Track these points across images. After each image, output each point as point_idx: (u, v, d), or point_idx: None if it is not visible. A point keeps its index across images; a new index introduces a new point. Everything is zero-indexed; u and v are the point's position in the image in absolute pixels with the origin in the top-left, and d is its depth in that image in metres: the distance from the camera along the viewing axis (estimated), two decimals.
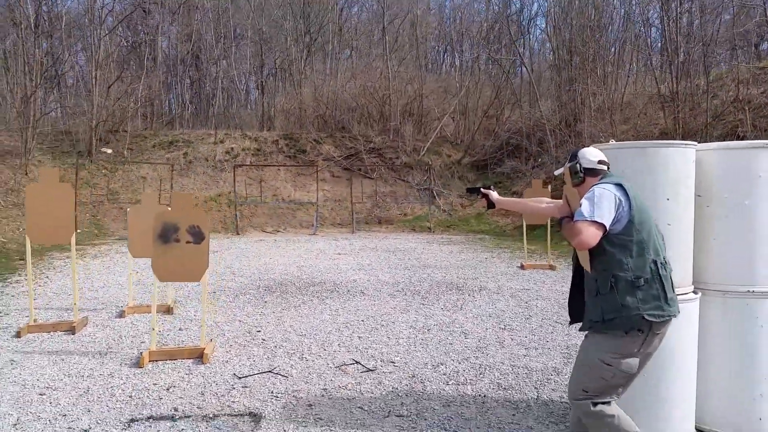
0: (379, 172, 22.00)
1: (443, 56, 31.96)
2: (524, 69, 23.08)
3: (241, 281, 8.70)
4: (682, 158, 3.45)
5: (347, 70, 25.96)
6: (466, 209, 20.21)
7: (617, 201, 2.68)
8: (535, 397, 4.23)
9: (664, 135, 15.20)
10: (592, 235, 2.64)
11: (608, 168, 2.93)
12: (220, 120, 27.28)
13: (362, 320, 6.42)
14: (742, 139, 13.10)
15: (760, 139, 12.91)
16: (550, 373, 4.75)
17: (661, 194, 3.38)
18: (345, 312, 6.80)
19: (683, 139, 14.71)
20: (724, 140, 13.76)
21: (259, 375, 4.62)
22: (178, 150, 21.49)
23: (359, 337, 5.73)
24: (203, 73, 29.44)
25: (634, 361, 2.68)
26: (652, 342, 2.70)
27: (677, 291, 3.30)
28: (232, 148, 21.88)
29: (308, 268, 9.98)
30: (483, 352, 5.29)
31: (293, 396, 4.19)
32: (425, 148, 22.89)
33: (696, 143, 3.64)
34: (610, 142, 3.65)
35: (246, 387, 4.36)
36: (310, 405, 4.04)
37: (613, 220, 2.67)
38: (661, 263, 2.70)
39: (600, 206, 2.66)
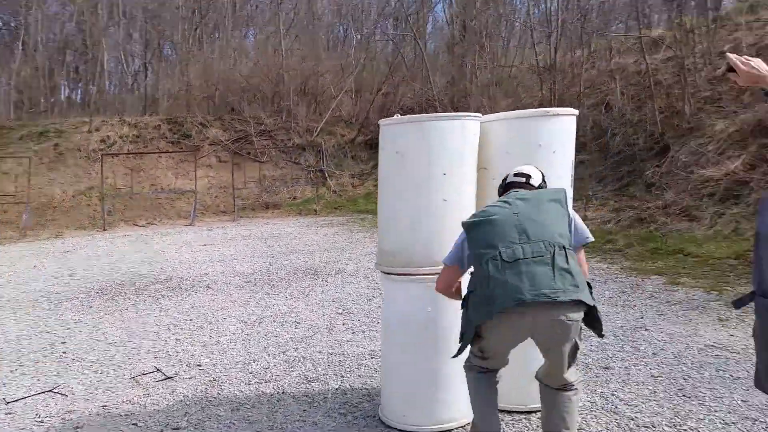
0: (269, 155, 21.25)
1: (343, 32, 31.23)
2: (419, 45, 22.84)
3: (75, 285, 7.90)
4: (460, 131, 3.22)
5: (238, 49, 24.77)
6: (357, 189, 19.92)
7: (461, 237, 2.74)
8: (337, 386, 3.93)
9: (542, 107, 15.45)
10: (439, 280, 2.85)
11: (527, 180, 2.85)
12: (105, 105, 25.44)
13: (191, 319, 5.90)
14: (610, 107, 13.49)
15: (627, 106, 13.33)
16: (365, 357, 4.49)
17: (438, 169, 3.15)
18: (176, 311, 6.25)
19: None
20: (595, 109, 14.17)
21: (35, 396, 4.04)
22: (48, 141, 19.79)
23: (177, 340, 5.23)
24: (86, 56, 27.27)
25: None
26: (489, 336, 2.54)
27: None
28: (108, 136, 20.38)
29: (161, 264, 9.28)
30: (306, 342, 4.94)
31: (62, 418, 3.66)
32: (319, 129, 22.32)
33: (479, 114, 3.40)
34: (395, 116, 3.36)
35: (10, 413, 3.77)
36: (78, 427, 3.53)
37: (463, 253, 2.70)
38: (487, 261, 2.47)
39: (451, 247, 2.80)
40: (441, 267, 3.00)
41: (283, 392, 3.90)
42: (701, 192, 9.41)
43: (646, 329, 4.93)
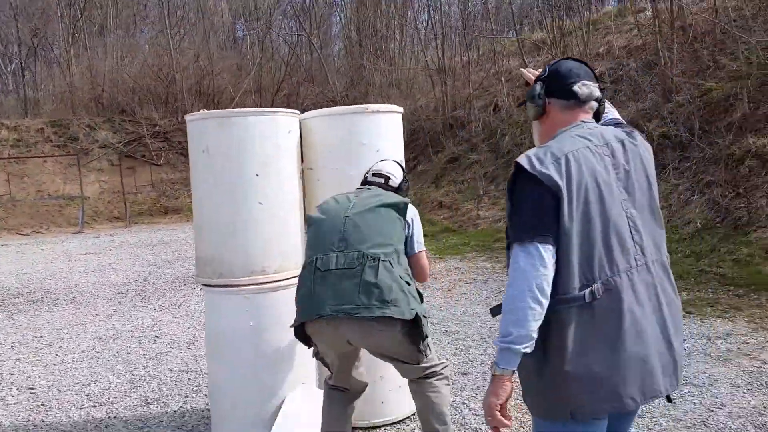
0: (165, 157, 20.40)
1: (241, 31, 30.44)
2: (314, 46, 22.66)
3: None
4: (272, 128, 3.03)
5: (125, 47, 23.57)
6: None
7: None
8: (177, 408, 3.71)
9: (436, 109, 15.69)
10: None
11: (386, 182, 2.75)
12: None
13: (41, 336, 5.47)
14: (498, 108, 13.88)
15: (513, 107, 13.75)
16: None
17: (250, 170, 2.94)
18: (28, 328, 5.78)
19: (453, 111, 15.32)
20: (485, 110, 14.53)
21: None
22: None
23: (17, 360, 4.81)
24: None
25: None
26: (315, 341, 2.47)
27: (277, 277, 2.95)
28: None
29: (31, 275, 8.63)
30: (158, 359, 4.67)
31: None
32: None
33: (298, 111, 3.28)
34: (200, 111, 3.17)
35: None
36: None
37: None
38: (305, 266, 2.46)
39: None
40: (263, 277, 2.92)
41: (115, 417, 3.63)
42: None
43: None
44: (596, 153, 1.59)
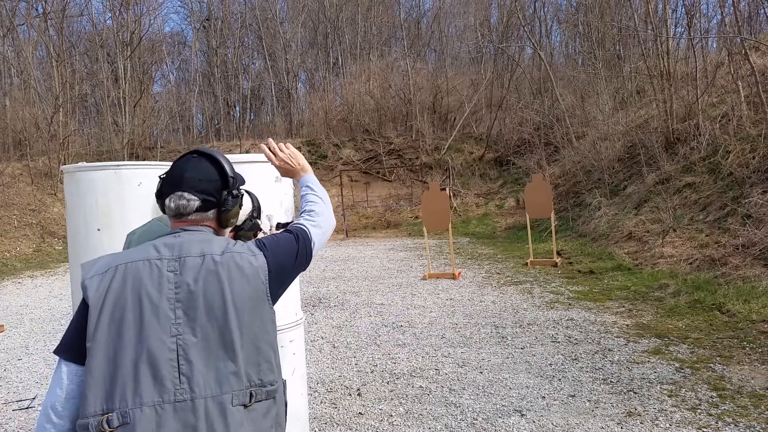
0: (397, 173, 21.72)
1: (482, 45, 30.79)
2: (540, 58, 21.64)
3: None
4: (116, 180, 3.13)
5: (364, 72, 25.80)
6: (480, 208, 19.39)
7: None
8: None
9: (661, 121, 13.65)
10: None
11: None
12: (259, 130, 28.05)
13: None
14: (729, 120, 11.44)
15: (747, 117, 11.24)
16: None
17: (93, 224, 3.11)
18: None
19: (679, 122, 13.05)
20: (714, 122, 12.12)
21: None
22: None
23: None
24: (234, 83, 30.36)
25: None
26: None
27: None
28: None
29: None
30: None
31: None
32: (446, 147, 22.25)
33: (153, 162, 3.29)
34: (80, 163, 3.41)
35: None
36: None
37: None
38: None
39: None
40: None
41: None
42: None
43: None
44: (154, 266, 1.47)
